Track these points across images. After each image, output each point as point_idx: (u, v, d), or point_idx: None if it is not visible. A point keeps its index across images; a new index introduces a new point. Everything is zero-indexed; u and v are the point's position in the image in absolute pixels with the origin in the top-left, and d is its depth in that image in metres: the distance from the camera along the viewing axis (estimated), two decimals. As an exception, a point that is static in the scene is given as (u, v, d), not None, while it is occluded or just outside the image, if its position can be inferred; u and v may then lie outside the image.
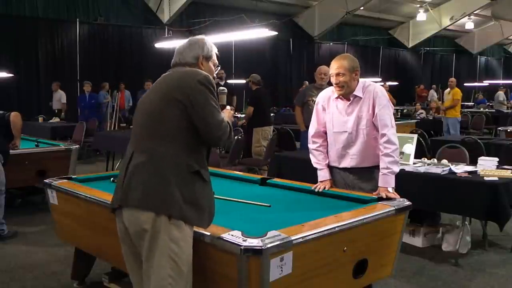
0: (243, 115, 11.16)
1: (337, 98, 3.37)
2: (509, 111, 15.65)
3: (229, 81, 10.84)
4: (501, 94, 15.65)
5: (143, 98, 2.42)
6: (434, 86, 17.91)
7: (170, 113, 2.21)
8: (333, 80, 3.32)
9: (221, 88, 2.22)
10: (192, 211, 2.16)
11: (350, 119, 3.30)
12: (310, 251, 2.29)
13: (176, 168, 2.17)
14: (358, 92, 3.28)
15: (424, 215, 4.62)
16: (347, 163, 3.36)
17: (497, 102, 15.64)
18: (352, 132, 3.29)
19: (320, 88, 5.91)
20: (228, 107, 2.53)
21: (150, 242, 2.16)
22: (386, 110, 3.23)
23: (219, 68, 2.61)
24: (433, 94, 16.89)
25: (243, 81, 13.44)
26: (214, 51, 2.52)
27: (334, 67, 3.29)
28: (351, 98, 3.30)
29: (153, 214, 2.13)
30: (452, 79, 10.56)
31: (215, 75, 2.61)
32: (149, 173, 2.18)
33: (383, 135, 3.19)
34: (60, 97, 11.18)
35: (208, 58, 2.47)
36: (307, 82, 12.87)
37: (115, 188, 2.34)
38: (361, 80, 3.33)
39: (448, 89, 10.48)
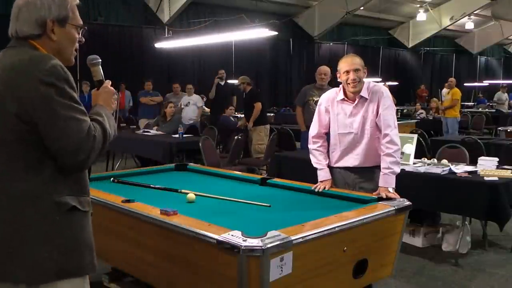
0: (242, 115, 11.16)
1: (342, 100, 3.37)
2: (510, 111, 15.64)
3: (229, 81, 10.84)
4: (501, 94, 15.64)
5: None
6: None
7: (12, 134, 1.52)
8: (347, 76, 3.27)
9: (92, 57, 1.77)
10: (74, 260, 1.59)
11: (356, 119, 3.31)
12: (310, 251, 2.29)
13: (41, 214, 1.53)
14: (364, 93, 3.29)
15: (424, 215, 4.62)
16: (350, 162, 3.37)
17: (498, 101, 15.63)
18: (358, 132, 3.31)
19: (321, 88, 5.92)
20: (107, 82, 1.85)
21: None
22: (390, 110, 3.26)
23: (85, 30, 1.75)
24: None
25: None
26: (72, 5, 1.67)
27: (350, 62, 3.28)
28: (357, 99, 3.31)
29: (21, 285, 1.53)
30: (452, 79, 10.59)
31: (77, 47, 1.73)
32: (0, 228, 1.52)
33: (386, 135, 3.20)
34: None
35: (62, 20, 1.63)
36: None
37: None
38: (365, 81, 3.35)
39: (446, 89, 10.52)
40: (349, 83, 3.27)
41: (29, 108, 1.49)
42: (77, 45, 1.72)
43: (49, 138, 1.51)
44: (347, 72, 3.27)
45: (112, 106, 1.81)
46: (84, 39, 1.75)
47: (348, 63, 3.30)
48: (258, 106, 7.65)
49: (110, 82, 1.86)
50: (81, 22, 1.71)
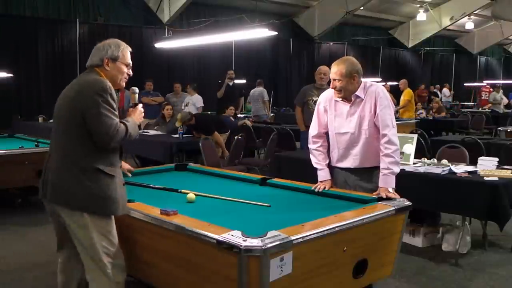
0: (243, 115, 11.16)
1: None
2: (509, 110, 15.60)
3: (235, 82, 10.77)
4: (496, 94, 15.58)
5: (58, 100, 2.63)
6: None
7: (74, 121, 2.46)
8: (331, 84, 3.34)
9: (135, 89, 3.03)
10: (101, 203, 2.48)
11: (352, 119, 3.31)
12: (310, 251, 2.29)
13: (81, 168, 2.47)
14: (359, 92, 3.29)
15: (424, 215, 4.62)
16: (349, 163, 3.37)
17: (493, 102, 15.59)
18: (355, 132, 3.30)
19: (320, 88, 5.92)
20: (140, 105, 2.77)
21: (71, 228, 2.54)
22: (387, 110, 3.25)
23: (131, 66, 2.70)
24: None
25: (243, 81, 13.45)
26: (123, 51, 2.65)
27: (332, 71, 3.31)
28: (353, 99, 3.31)
29: (65, 208, 2.51)
30: (402, 81, 10.88)
31: (126, 76, 2.69)
32: (59, 173, 2.51)
33: (384, 135, 3.20)
34: None
35: (114, 59, 2.62)
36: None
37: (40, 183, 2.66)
38: (362, 80, 3.34)
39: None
40: (334, 89, 3.31)
41: (86, 109, 2.44)
42: (126, 75, 2.69)
43: (92, 126, 2.44)
44: (331, 78, 3.31)
45: (138, 121, 2.72)
46: (131, 73, 2.73)
47: (332, 71, 3.31)
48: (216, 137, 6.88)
49: (142, 105, 2.80)
50: (129, 62, 2.69)
